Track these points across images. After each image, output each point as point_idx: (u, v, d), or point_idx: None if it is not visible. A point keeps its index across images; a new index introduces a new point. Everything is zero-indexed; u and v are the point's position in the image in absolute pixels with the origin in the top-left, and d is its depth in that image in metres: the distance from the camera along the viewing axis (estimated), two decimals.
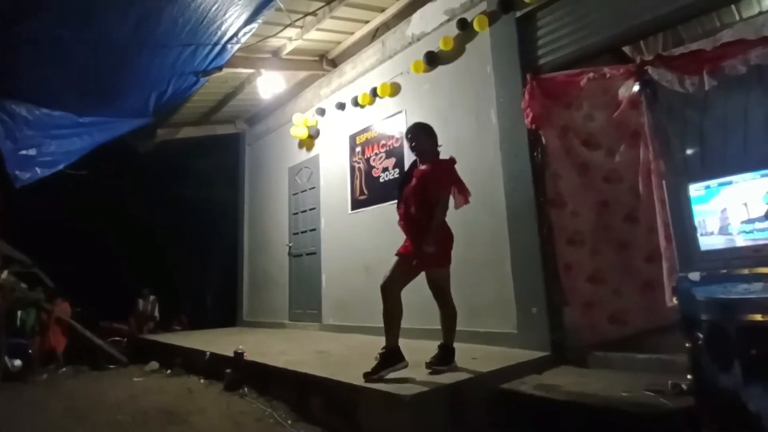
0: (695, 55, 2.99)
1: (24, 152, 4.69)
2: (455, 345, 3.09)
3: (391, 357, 2.88)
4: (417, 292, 3.09)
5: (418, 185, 3.05)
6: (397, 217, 3.18)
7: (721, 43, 2.95)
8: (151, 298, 8.61)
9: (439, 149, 3.23)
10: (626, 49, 4.40)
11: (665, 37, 4.58)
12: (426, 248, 2.83)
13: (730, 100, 3.06)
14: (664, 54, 3.23)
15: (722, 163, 3.09)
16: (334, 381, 2.90)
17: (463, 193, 3.10)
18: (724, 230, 2.28)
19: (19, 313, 5.70)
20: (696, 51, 3.01)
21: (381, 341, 4.44)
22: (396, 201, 3.25)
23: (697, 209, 2.35)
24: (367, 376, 2.75)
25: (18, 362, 5.18)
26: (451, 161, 3.13)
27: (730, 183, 2.26)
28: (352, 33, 5.66)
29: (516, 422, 2.63)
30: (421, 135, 3.21)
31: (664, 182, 2.83)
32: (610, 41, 3.57)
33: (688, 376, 2.27)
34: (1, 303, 4.96)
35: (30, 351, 5.53)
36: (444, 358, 3.01)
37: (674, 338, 2.51)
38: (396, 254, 3.03)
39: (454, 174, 3.09)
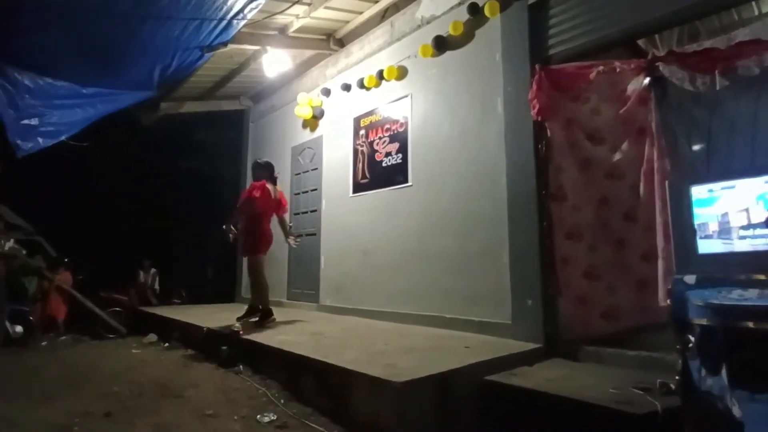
0: (709, 53, 2.92)
1: (26, 121, 4.65)
2: None
3: (268, 314, 4.61)
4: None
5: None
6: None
7: (736, 42, 2.88)
8: (152, 270, 8.69)
9: (274, 176, 4.90)
10: (640, 41, 4.30)
11: (681, 31, 4.46)
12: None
13: (740, 101, 3.00)
14: (677, 50, 3.17)
15: (728, 165, 3.05)
16: (327, 364, 2.94)
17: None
18: (723, 234, 2.26)
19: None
20: (710, 49, 2.95)
21: (377, 324, 4.70)
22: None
23: (698, 212, 2.32)
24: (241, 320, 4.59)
25: (19, 328, 5.28)
26: (249, 187, 4.83)
27: (732, 187, 2.23)
28: (360, 12, 5.55)
29: (504, 413, 2.67)
30: (256, 169, 4.89)
31: (666, 182, 2.80)
32: (623, 34, 3.48)
33: (677, 377, 2.30)
34: (3, 270, 5.01)
35: (31, 318, 5.63)
36: (262, 318, 4.60)
37: (665, 336, 2.53)
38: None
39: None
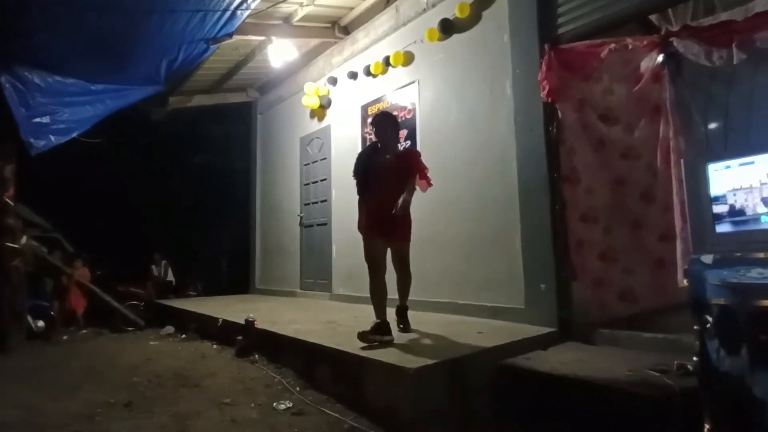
0: (725, 26, 2.81)
1: (37, 120, 4.71)
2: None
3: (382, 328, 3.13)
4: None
5: (397, 174, 3.29)
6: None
7: (754, 13, 2.77)
8: (163, 263, 8.81)
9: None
10: (652, 17, 4.18)
11: (696, 5, 4.33)
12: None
13: (758, 75, 2.91)
14: (692, 24, 3.06)
15: (746, 141, 2.96)
16: (341, 351, 2.96)
17: (426, 178, 3.51)
18: (742, 212, 2.20)
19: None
20: (726, 22, 2.83)
21: (389, 311, 4.63)
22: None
23: (714, 190, 2.26)
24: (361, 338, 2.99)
25: (41, 323, 5.41)
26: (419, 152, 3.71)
27: (751, 163, 2.16)
28: None
29: (518, 397, 2.66)
30: (389, 126, 3.47)
31: (682, 160, 2.73)
32: (635, 9, 3.38)
33: (695, 358, 2.26)
34: (22, 266, 5.11)
35: (52, 313, 5.76)
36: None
37: (682, 318, 2.49)
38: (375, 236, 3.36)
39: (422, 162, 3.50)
